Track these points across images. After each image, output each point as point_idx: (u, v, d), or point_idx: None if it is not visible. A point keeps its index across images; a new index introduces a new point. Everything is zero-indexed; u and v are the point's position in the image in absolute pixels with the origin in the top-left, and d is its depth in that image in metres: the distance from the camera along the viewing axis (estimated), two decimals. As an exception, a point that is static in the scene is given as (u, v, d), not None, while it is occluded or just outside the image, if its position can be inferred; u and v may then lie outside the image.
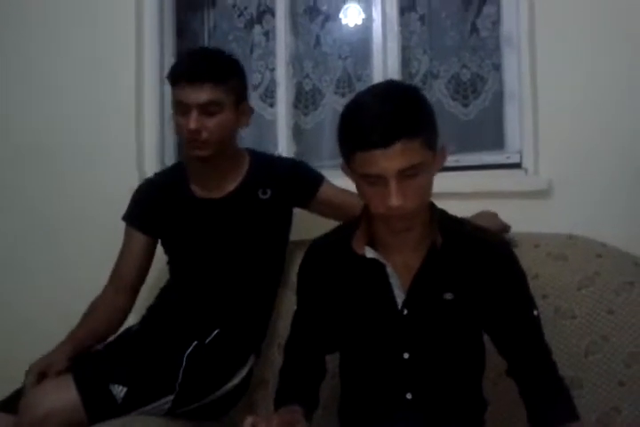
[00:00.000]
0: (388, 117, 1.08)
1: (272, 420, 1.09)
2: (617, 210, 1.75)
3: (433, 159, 1.15)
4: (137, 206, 1.75)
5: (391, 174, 1.09)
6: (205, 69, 1.53)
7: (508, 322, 1.24)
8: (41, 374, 1.46)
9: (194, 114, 1.52)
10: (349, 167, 1.17)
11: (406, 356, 1.23)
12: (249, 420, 1.08)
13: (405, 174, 1.09)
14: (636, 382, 1.47)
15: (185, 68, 1.56)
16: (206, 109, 1.53)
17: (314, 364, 1.37)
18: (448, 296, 1.22)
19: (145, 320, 1.72)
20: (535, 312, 1.26)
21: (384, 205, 1.11)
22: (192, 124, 1.52)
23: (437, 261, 1.23)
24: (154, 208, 1.70)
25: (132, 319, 1.75)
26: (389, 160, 1.08)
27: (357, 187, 1.18)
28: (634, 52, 1.75)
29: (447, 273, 1.23)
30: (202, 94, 1.52)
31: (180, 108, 1.55)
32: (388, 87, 1.19)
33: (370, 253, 1.24)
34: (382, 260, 1.24)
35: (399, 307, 1.23)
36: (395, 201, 1.09)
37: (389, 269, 1.24)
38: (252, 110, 1.70)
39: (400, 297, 1.24)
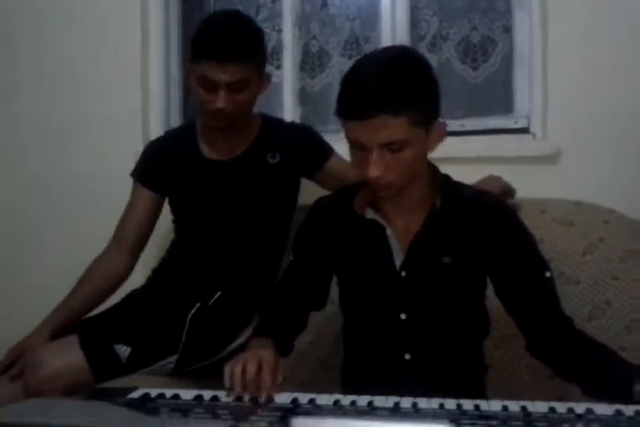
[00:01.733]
0: (373, 91, 1.07)
1: (249, 362, 1.10)
2: (625, 176, 1.74)
3: (425, 136, 1.13)
4: (145, 163, 1.74)
5: (371, 146, 1.09)
6: (235, 49, 1.48)
7: (518, 285, 1.22)
8: (16, 357, 1.49)
9: (222, 92, 1.50)
10: None
11: (403, 316, 1.24)
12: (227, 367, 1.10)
13: (388, 148, 1.09)
14: (637, 347, 1.48)
15: (213, 46, 1.49)
16: (234, 87, 1.50)
17: (297, 314, 1.37)
18: (447, 260, 1.22)
19: (149, 282, 1.73)
20: (548, 274, 1.23)
21: (364, 173, 1.12)
22: (221, 104, 1.50)
23: (437, 224, 1.23)
24: (162, 166, 1.69)
25: (138, 282, 1.76)
26: (368, 133, 1.08)
27: (349, 149, 1.18)
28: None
29: (446, 237, 1.23)
30: (231, 74, 1.48)
31: (205, 83, 1.51)
32: (389, 57, 1.16)
33: (370, 214, 1.25)
34: (382, 221, 1.24)
35: (397, 268, 1.24)
36: (372, 172, 1.10)
37: (389, 231, 1.24)
38: (270, 77, 1.67)
39: (399, 259, 1.24)
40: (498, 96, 2.05)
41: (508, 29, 2.04)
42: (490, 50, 2.08)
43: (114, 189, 1.85)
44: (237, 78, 1.49)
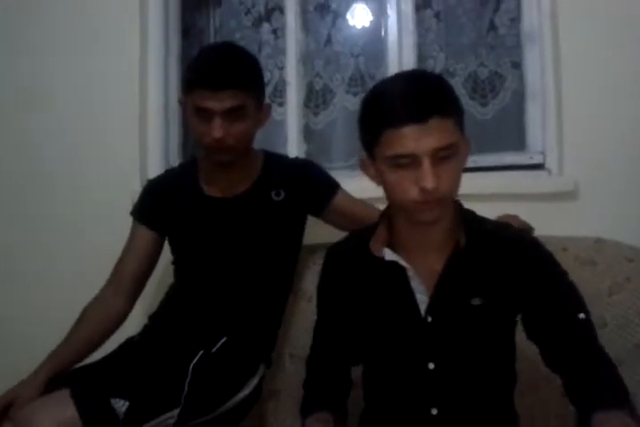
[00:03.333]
0: (422, 93, 1.05)
1: None
2: (646, 211, 1.70)
3: (463, 144, 1.11)
4: (145, 201, 1.70)
5: (425, 153, 1.03)
6: (228, 75, 1.46)
7: (549, 326, 1.15)
8: (6, 407, 1.40)
9: (217, 121, 1.46)
10: (374, 154, 1.11)
11: (431, 366, 1.16)
12: None
13: (439, 156, 1.04)
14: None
15: (205, 74, 1.47)
16: (230, 115, 1.47)
17: (339, 376, 1.31)
18: (476, 301, 1.15)
19: (147, 329, 1.65)
20: (581, 315, 1.14)
21: (417, 188, 1.05)
22: (217, 133, 1.46)
23: (462, 263, 1.16)
24: (162, 204, 1.65)
25: (134, 328, 1.68)
26: (424, 137, 1.03)
27: (383, 176, 1.10)
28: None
29: (474, 276, 1.16)
30: (226, 101, 1.45)
31: (201, 114, 1.48)
32: (413, 72, 1.20)
33: (389, 255, 1.18)
34: (403, 262, 1.17)
35: (422, 314, 1.17)
36: (430, 182, 1.03)
37: (411, 273, 1.17)
38: (270, 108, 1.64)
39: (423, 303, 1.17)
40: (509, 132, 2.03)
41: (516, 65, 2.04)
42: (498, 85, 2.08)
43: (112, 228, 1.80)
44: (232, 105, 1.46)
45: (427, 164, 1.03)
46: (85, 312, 1.59)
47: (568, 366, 1.14)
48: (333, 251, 1.33)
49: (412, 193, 1.06)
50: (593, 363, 1.12)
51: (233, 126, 1.48)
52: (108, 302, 1.61)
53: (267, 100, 1.61)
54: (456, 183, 1.10)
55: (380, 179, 1.13)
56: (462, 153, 1.11)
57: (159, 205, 1.65)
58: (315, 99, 2.24)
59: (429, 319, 1.16)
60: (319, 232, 1.70)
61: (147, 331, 1.65)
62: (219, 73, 1.46)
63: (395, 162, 1.06)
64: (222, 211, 1.61)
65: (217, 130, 1.46)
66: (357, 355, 1.29)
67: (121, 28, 2.23)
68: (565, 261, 1.55)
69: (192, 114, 1.51)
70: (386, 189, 1.13)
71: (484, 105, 2.08)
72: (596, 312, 1.50)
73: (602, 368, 1.12)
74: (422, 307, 1.17)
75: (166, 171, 1.82)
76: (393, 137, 1.05)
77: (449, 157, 1.06)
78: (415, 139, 1.03)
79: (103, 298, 1.62)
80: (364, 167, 1.18)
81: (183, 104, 1.58)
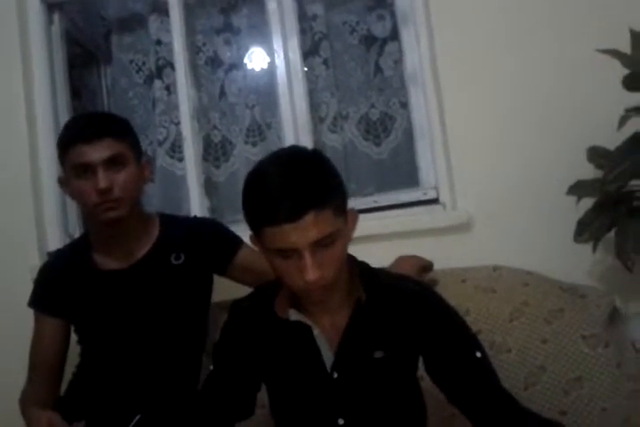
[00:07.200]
0: (295, 190, 1.08)
1: None
2: (538, 237, 1.85)
3: (345, 225, 1.15)
4: (42, 288, 1.65)
5: (305, 247, 1.08)
6: (102, 126, 1.50)
7: (451, 370, 1.21)
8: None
9: (100, 172, 1.46)
10: (260, 241, 1.15)
11: (341, 422, 1.20)
12: None
13: (320, 244, 1.10)
14: (576, 409, 1.53)
15: (79, 129, 1.51)
16: (112, 164, 1.48)
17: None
18: (378, 354, 1.21)
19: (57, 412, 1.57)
20: (478, 354, 1.22)
21: (301, 279, 1.10)
22: (102, 183, 1.46)
23: (364, 318, 1.22)
24: (59, 289, 1.61)
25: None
26: (301, 233, 1.08)
27: (270, 261, 1.16)
28: (539, 80, 1.87)
29: (375, 330, 1.22)
30: (105, 150, 1.47)
31: (82, 170, 1.48)
32: (291, 156, 1.20)
33: (294, 315, 1.23)
34: (308, 322, 1.22)
35: (328, 370, 1.21)
36: (311, 275, 1.09)
37: (316, 332, 1.22)
38: (149, 164, 1.66)
39: (329, 359, 1.22)
40: (403, 170, 2.18)
41: (404, 105, 2.20)
42: (390, 125, 2.23)
43: (9, 314, 1.81)
44: (113, 153, 1.48)
45: (307, 256, 1.08)
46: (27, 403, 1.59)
47: (473, 409, 1.22)
48: (237, 308, 1.35)
49: (298, 281, 1.12)
50: (496, 405, 1.20)
51: (116, 176, 1.49)
52: (40, 397, 1.59)
53: (144, 158, 1.63)
54: (340, 264, 1.15)
55: (266, 258, 1.18)
56: (346, 232, 1.16)
57: (56, 291, 1.62)
58: (214, 151, 2.33)
59: (335, 375, 1.21)
60: (227, 289, 1.69)
61: None
62: (91, 125, 1.50)
63: (278, 253, 1.12)
64: (119, 283, 1.59)
65: (101, 180, 1.46)
66: (246, 410, 1.33)
67: (3, 92, 2.21)
68: (466, 291, 1.70)
69: (73, 177, 1.51)
70: (273, 270, 1.19)
71: (377, 145, 2.23)
72: (500, 338, 1.63)
73: (504, 410, 1.20)
74: (328, 364, 1.21)
75: (57, 251, 1.79)
76: (272, 233, 1.09)
77: (331, 242, 1.10)
78: (293, 235, 1.07)
79: (34, 392, 1.60)
80: (252, 243, 1.23)
81: (63, 181, 1.59)
